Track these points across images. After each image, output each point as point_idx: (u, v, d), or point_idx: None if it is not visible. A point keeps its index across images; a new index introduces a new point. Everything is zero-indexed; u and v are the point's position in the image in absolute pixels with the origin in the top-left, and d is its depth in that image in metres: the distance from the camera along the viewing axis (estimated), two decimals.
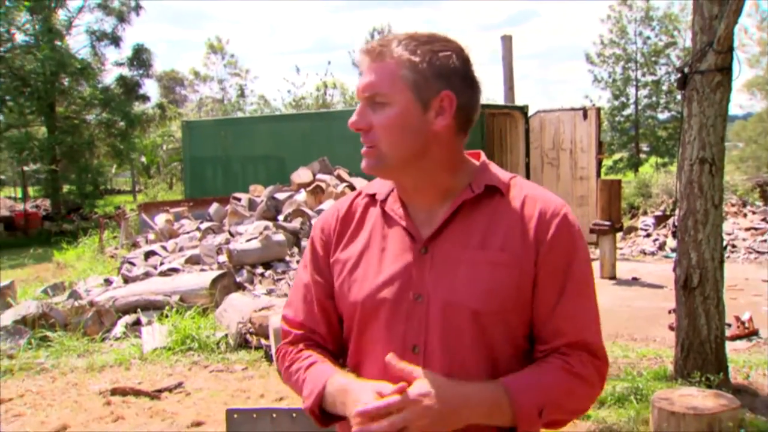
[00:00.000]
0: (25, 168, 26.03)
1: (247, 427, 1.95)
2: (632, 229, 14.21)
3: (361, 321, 1.45)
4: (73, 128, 23.92)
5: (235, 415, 1.95)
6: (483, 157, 1.54)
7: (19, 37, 23.99)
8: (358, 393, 1.31)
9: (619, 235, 12.74)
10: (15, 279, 10.51)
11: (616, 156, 33.27)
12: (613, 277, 10.03)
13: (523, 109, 12.73)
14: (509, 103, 14.36)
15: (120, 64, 25.80)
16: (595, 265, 10.58)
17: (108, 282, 8.87)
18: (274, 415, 1.96)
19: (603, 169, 23.28)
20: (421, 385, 1.27)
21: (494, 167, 1.51)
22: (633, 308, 8.23)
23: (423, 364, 1.35)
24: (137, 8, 25.35)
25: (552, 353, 1.39)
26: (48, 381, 6.24)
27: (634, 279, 9.99)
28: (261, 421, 1.96)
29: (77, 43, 25.21)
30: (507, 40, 15.67)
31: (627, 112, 33.33)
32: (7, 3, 23.01)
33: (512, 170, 12.47)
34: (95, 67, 24.72)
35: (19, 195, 28.19)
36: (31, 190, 28.66)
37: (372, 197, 1.53)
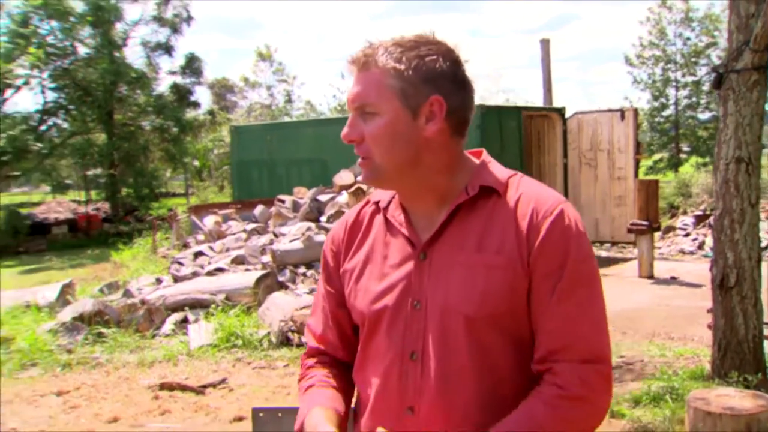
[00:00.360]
0: (87, 173, 26.70)
1: (272, 426, 1.91)
2: (671, 228, 13.88)
3: (367, 329, 1.41)
4: (129, 134, 24.45)
5: (261, 414, 1.92)
6: (484, 155, 1.46)
7: (82, 50, 24.61)
8: None
9: (657, 234, 12.47)
10: (75, 278, 10.77)
11: (656, 156, 32.55)
12: (651, 276, 9.80)
13: (561, 111, 12.54)
14: (547, 105, 14.16)
15: (173, 73, 26.28)
16: (633, 265, 10.36)
17: (159, 281, 9.00)
18: None
19: (642, 170, 22.85)
20: None
21: (494, 166, 1.43)
22: (671, 307, 8.02)
23: (421, 371, 1.32)
24: (188, 19, 25.80)
25: (543, 375, 1.30)
26: (102, 375, 6.36)
27: (673, 278, 9.74)
28: (287, 421, 1.92)
29: (133, 54, 25.66)
30: (545, 44, 15.49)
31: (667, 112, 32.60)
32: (72, 19, 23.65)
33: (550, 171, 12.41)
34: (150, 76, 25.21)
35: (83, 198, 28.86)
36: (92, 194, 29.35)
37: (377, 204, 1.49)
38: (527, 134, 12.05)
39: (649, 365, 5.84)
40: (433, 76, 1.30)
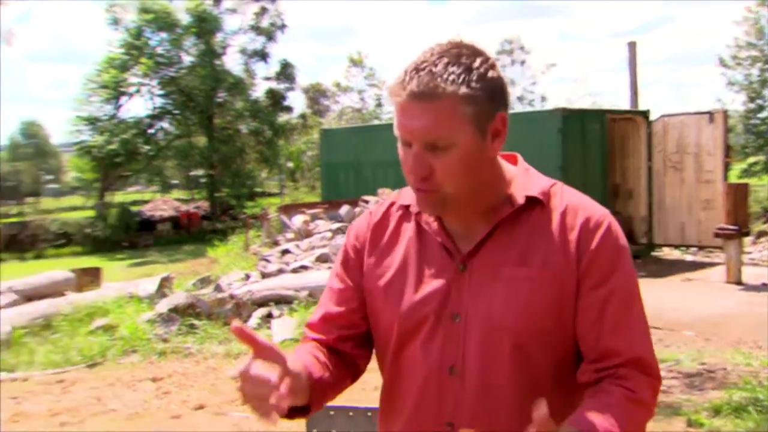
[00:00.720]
0: (189, 173, 27.82)
1: (324, 425, 1.91)
2: (765, 233, 13.11)
3: (398, 339, 1.33)
4: (227, 137, 25.34)
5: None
6: (521, 161, 1.37)
7: (186, 59, 25.69)
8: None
9: (749, 239, 11.79)
10: (175, 272, 11.21)
11: (751, 159, 30.84)
12: (739, 282, 9.27)
13: (646, 114, 12.07)
14: (633, 108, 13.67)
15: (268, 79, 27.06)
16: (720, 270, 9.84)
17: (247, 277, 9.24)
18: (351, 414, 1.91)
19: (735, 173, 21.68)
20: None
21: (534, 174, 1.34)
22: (760, 315, 7.55)
23: (460, 386, 1.25)
24: (283, 27, 26.54)
25: (608, 377, 1.22)
26: (192, 364, 6.58)
27: (764, 285, 9.19)
28: (338, 419, 1.92)
29: (232, 62, 26.59)
30: (632, 47, 14.96)
31: (763, 114, 30.81)
32: (178, 30, 24.75)
33: (634, 174, 11.97)
34: (247, 82, 26.05)
35: (185, 197, 30.09)
36: (194, 193, 30.53)
37: (406, 209, 1.39)
38: (611, 137, 11.65)
39: (732, 374, 5.53)
40: (497, 93, 1.22)
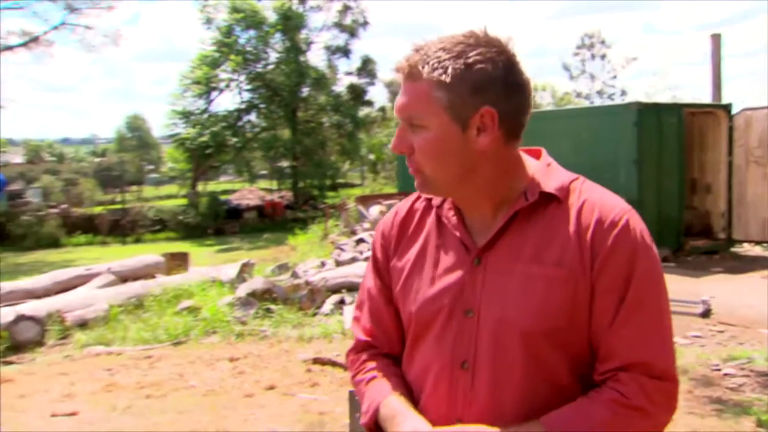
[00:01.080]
0: (274, 164, 28.49)
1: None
2: None
3: (414, 332, 1.32)
4: (310, 130, 25.79)
5: (357, 397, 1.94)
6: (544, 156, 1.32)
7: (272, 55, 26.28)
8: (400, 428, 1.23)
9: None
10: (257, 258, 11.54)
11: None
12: None
13: (727, 108, 11.47)
14: (716, 102, 13.02)
15: (350, 74, 27.32)
16: None
17: (323, 264, 9.39)
18: None
19: None
20: None
21: (555, 169, 1.29)
22: None
23: (472, 381, 1.22)
24: (365, 24, 26.72)
25: (608, 380, 1.18)
26: (267, 346, 6.75)
27: None
28: None
29: (315, 57, 27.02)
30: (716, 39, 14.23)
31: None
32: (265, 28, 25.34)
33: (713, 169, 11.41)
34: (329, 77, 26.40)
35: (270, 187, 30.84)
36: (279, 183, 31.25)
37: (429, 201, 1.38)
38: (689, 131, 11.14)
39: None
40: (482, 86, 1.17)
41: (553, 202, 1.24)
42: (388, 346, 1.41)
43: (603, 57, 32.57)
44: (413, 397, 1.31)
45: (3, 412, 5.16)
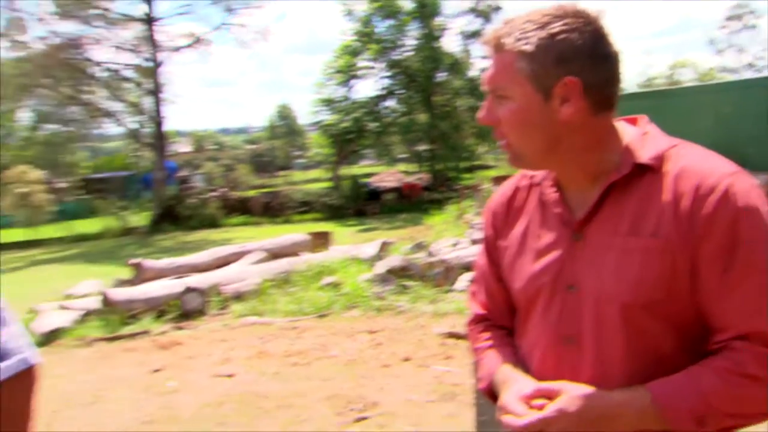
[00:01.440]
0: (412, 148, 28.81)
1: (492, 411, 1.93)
2: None
3: (522, 309, 1.32)
4: (446, 114, 25.77)
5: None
6: (642, 123, 1.24)
7: (408, 43, 26.51)
8: (508, 393, 1.21)
9: None
10: (395, 237, 11.78)
11: None
12: None
13: None
14: None
15: (485, 58, 26.91)
16: None
17: (457, 243, 9.41)
18: None
19: None
20: (561, 400, 1.12)
21: (652, 137, 1.21)
22: None
23: (578, 356, 1.19)
24: (498, 9, 26.25)
25: (721, 350, 1.11)
26: (403, 321, 6.89)
27: None
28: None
29: (450, 43, 26.96)
30: None
31: None
32: (401, 16, 25.61)
33: None
34: (464, 62, 26.20)
35: (408, 169, 31.23)
36: (416, 166, 31.57)
37: (531, 179, 1.35)
38: None
39: None
40: (566, 56, 1.13)
41: (649, 171, 1.17)
42: (501, 319, 1.42)
43: (753, 27, 29.76)
44: (525, 367, 1.31)
45: (174, 371, 5.68)
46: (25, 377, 1.37)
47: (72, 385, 5.40)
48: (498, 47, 1.19)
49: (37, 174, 23.70)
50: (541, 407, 1.14)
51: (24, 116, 31.85)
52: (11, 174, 23.01)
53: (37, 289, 10.66)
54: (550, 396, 1.15)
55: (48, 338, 7.03)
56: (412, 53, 25.84)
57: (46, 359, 5.02)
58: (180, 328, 7.34)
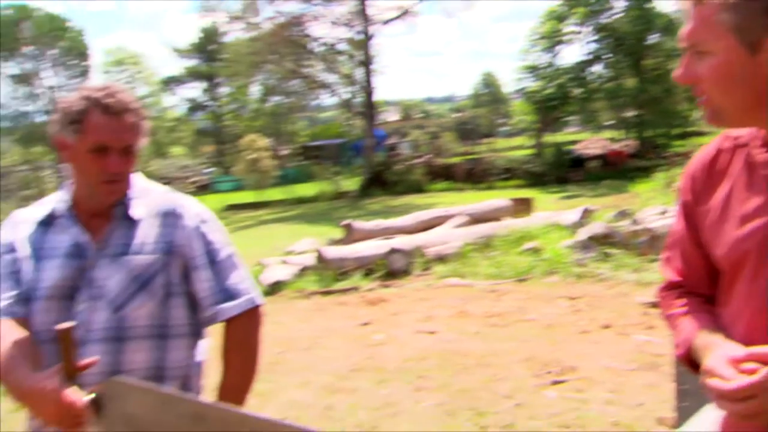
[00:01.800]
0: (619, 114, 27.06)
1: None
2: None
3: (727, 275, 1.19)
4: (657, 78, 23.71)
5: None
6: None
7: (617, 5, 24.77)
8: (714, 356, 1.10)
9: None
10: (598, 205, 11.24)
11: None
12: None
13: None
14: None
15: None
16: None
17: (665, 212, 8.72)
18: None
19: None
20: None
21: None
22: None
23: None
24: None
25: None
26: (604, 288, 6.62)
27: None
28: None
29: (663, 3, 24.63)
30: None
31: None
32: None
33: None
34: (678, 22, 23.83)
35: (614, 136, 29.45)
36: (623, 133, 29.64)
37: (736, 140, 1.21)
38: None
39: None
40: None
41: None
42: (698, 286, 1.31)
43: None
44: (727, 336, 1.21)
45: (380, 325, 6.04)
46: (252, 315, 1.57)
47: (292, 332, 5.98)
48: (696, 0, 1.09)
49: (264, 142, 26.02)
50: (752, 371, 1.04)
51: (254, 90, 35.16)
52: (243, 142, 25.55)
53: (264, 245, 11.84)
54: (764, 361, 1.04)
55: (272, 289, 7.82)
56: (621, 15, 24.06)
57: (271, 307, 5.63)
58: (386, 286, 7.75)
